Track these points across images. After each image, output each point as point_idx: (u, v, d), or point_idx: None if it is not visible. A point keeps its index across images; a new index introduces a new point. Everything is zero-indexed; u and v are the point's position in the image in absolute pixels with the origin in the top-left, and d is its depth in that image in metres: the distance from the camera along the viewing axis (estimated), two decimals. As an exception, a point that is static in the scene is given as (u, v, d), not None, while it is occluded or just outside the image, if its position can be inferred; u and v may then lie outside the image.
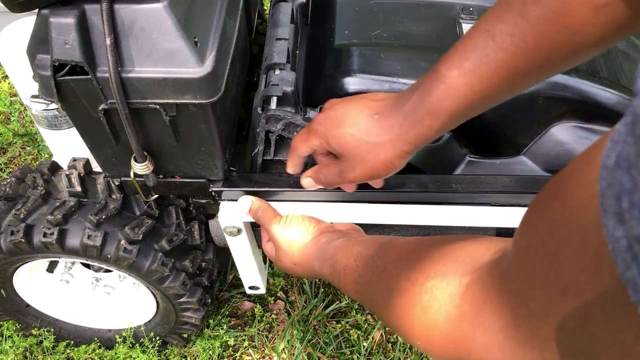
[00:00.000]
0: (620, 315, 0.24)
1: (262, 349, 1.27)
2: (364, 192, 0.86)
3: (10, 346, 1.23)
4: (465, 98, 0.55)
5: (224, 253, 1.13)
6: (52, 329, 1.23)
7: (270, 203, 0.87)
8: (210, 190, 0.87)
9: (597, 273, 0.25)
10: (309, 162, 0.82)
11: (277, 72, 0.83)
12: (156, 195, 0.94)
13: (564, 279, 0.28)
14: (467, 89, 0.54)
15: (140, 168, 0.79)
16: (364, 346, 1.24)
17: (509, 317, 0.35)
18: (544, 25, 0.48)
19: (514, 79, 0.53)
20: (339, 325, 1.28)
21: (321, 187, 0.74)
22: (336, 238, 0.70)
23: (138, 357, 1.20)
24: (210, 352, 1.23)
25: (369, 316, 1.29)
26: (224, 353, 1.25)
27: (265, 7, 1.68)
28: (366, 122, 0.62)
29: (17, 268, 1.07)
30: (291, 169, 0.76)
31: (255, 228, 0.99)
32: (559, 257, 0.28)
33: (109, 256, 0.94)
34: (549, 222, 0.31)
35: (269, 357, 1.26)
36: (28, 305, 1.19)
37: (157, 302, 1.12)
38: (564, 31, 0.48)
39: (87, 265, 1.21)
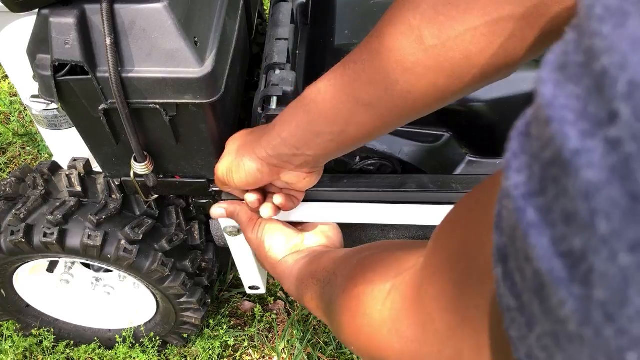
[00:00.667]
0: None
1: (262, 349, 1.27)
2: (364, 192, 0.86)
3: (10, 346, 1.23)
4: (311, 114, 0.59)
5: (224, 253, 1.13)
6: (52, 329, 1.23)
7: (271, 203, 0.87)
8: (211, 190, 0.87)
9: (490, 316, 0.26)
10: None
11: (277, 72, 0.83)
12: (156, 195, 0.94)
13: (463, 311, 0.29)
14: (313, 106, 0.59)
15: (140, 168, 0.79)
16: (364, 346, 1.24)
17: (419, 329, 0.35)
18: (379, 58, 0.53)
19: (355, 108, 0.56)
20: (339, 325, 1.28)
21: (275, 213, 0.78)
22: (302, 257, 0.72)
23: (138, 357, 1.20)
24: (210, 352, 1.23)
25: (369, 316, 1.29)
26: (224, 353, 1.25)
27: (265, 7, 1.68)
28: (238, 142, 0.72)
29: (17, 268, 1.07)
30: (253, 205, 0.79)
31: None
32: (462, 287, 0.29)
33: (109, 256, 0.94)
34: (456, 248, 0.31)
35: (269, 357, 1.26)
36: (28, 305, 1.19)
37: (157, 302, 1.12)
38: (397, 67, 0.52)
39: (87, 265, 1.21)
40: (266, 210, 0.75)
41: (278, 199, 0.74)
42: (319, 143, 0.60)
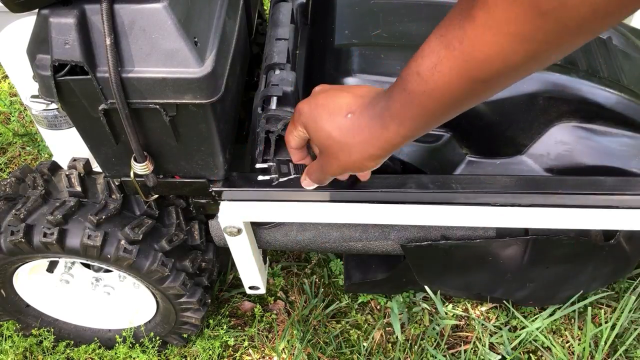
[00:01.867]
0: None
1: (262, 349, 1.27)
2: (364, 192, 0.86)
3: (10, 346, 1.23)
4: (425, 106, 0.54)
5: (224, 253, 1.13)
6: (52, 329, 1.23)
7: (271, 203, 0.87)
8: (210, 190, 0.87)
9: None
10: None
11: (277, 72, 0.83)
12: (156, 195, 0.94)
13: None
14: (424, 97, 0.53)
15: (140, 168, 0.79)
16: (364, 346, 1.24)
17: None
18: (489, 33, 0.46)
19: (472, 87, 0.51)
20: (339, 325, 1.28)
21: (319, 185, 0.74)
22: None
23: (138, 357, 1.20)
24: (210, 352, 1.23)
25: (369, 316, 1.29)
26: (224, 353, 1.25)
27: (265, 7, 1.68)
28: (340, 121, 0.62)
29: (17, 268, 1.07)
30: (298, 162, 0.76)
31: (255, 228, 0.99)
32: None
33: (109, 256, 0.94)
34: None
35: (269, 357, 1.26)
36: (28, 305, 1.19)
37: (157, 302, 1.12)
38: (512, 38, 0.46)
39: (87, 265, 1.21)
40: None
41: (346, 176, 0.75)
42: (437, 124, 0.57)
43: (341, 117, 0.62)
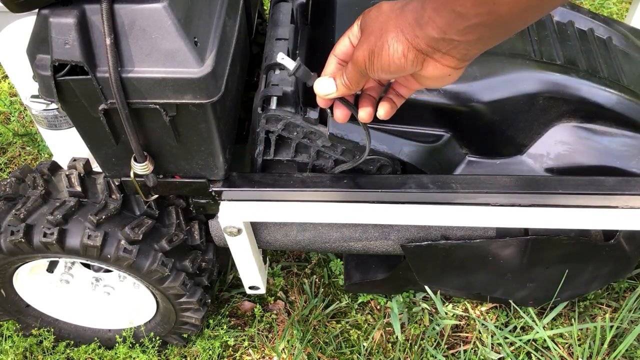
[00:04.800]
0: None
1: (262, 349, 1.27)
2: (364, 192, 0.86)
3: (10, 346, 1.22)
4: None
5: (224, 253, 1.13)
6: (52, 329, 1.23)
7: (271, 203, 0.87)
8: (210, 190, 0.87)
9: None
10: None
11: (277, 72, 0.83)
12: (156, 195, 0.94)
13: None
14: None
15: (140, 168, 0.79)
16: (364, 346, 1.24)
17: None
18: None
19: None
20: (339, 325, 1.28)
21: (349, 91, 0.66)
22: None
23: (138, 357, 1.20)
24: (210, 352, 1.23)
25: (369, 316, 1.29)
26: (224, 353, 1.25)
27: (265, 7, 1.68)
28: (396, 5, 0.57)
29: (17, 268, 1.07)
30: (324, 75, 0.68)
31: (254, 228, 0.99)
32: None
33: (109, 256, 0.94)
34: None
35: (269, 357, 1.26)
36: (28, 305, 1.19)
37: (157, 302, 1.12)
38: None
39: (87, 265, 1.21)
40: (365, 113, 0.66)
41: (384, 108, 0.65)
42: (467, 27, 0.51)
43: (398, 3, 0.57)
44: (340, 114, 0.69)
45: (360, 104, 0.67)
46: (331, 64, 0.67)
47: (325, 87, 0.66)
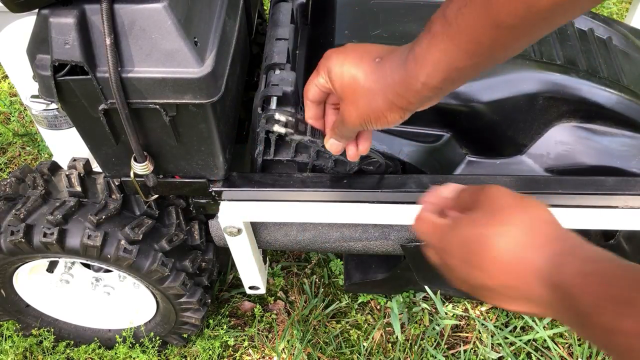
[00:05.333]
0: None
1: (262, 349, 1.27)
2: (364, 192, 0.86)
3: (10, 346, 1.22)
4: (446, 51, 0.51)
5: (224, 253, 1.13)
6: (52, 329, 1.23)
7: (271, 203, 0.87)
8: (210, 190, 0.87)
9: None
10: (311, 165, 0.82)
11: (277, 72, 0.83)
12: (156, 195, 0.94)
13: None
14: (447, 42, 0.51)
15: (140, 168, 0.79)
16: (364, 346, 1.24)
17: None
18: None
19: (496, 33, 0.48)
20: (339, 325, 1.28)
21: (341, 142, 0.71)
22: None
23: (138, 357, 1.20)
24: (210, 352, 1.23)
25: (369, 316, 1.29)
26: (224, 353, 1.25)
27: (265, 7, 1.68)
28: (366, 65, 0.59)
29: (17, 268, 1.07)
30: (309, 120, 0.73)
31: (254, 228, 0.99)
32: None
33: (109, 256, 0.94)
34: None
35: (269, 357, 1.26)
36: (28, 305, 1.19)
37: (157, 302, 1.12)
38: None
39: (87, 265, 1.21)
40: (352, 152, 0.71)
41: (365, 145, 0.71)
42: (461, 77, 0.54)
43: (369, 61, 0.59)
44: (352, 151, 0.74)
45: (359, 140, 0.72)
46: (311, 108, 0.71)
47: (335, 147, 0.72)
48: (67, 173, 0.94)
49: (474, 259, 0.49)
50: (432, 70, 0.53)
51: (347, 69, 0.60)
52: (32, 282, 1.15)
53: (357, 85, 0.60)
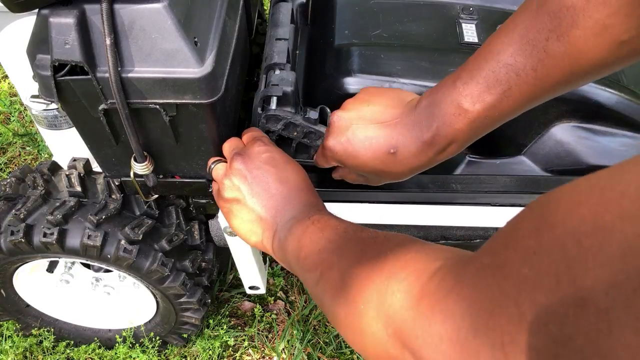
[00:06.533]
0: None
1: (262, 349, 1.27)
2: (364, 192, 0.86)
3: (10, 346, 1.22)
4: (487, 127, 0.58)
5: (224, 253, 1.13)
6: (52, 329, 1.23)
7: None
8: (210, 190, 0.87)
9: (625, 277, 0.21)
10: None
11: (277, 72, 0.83)
12: (156, 195, 0.94)
13: (586, 292, 0.23)
14: (488, 121, 0.57)
15: (140, 168, 0.79)
16: (364, 346, 1.24)
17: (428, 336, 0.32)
18: (568, 61, 0.50)
19: (531, 105, 0.56)
20: (339, 325, 1.28)
21: None
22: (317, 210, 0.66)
23: (138, 357, 1.20)
24: (210, 352, 1.23)
25: (369, 316, 1.29)
26: (224, 353, 1.25)
27: (265, 7, 1.68)
28: (382, 157, 0.64)
29: (17, 268, 1.07)
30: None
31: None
32: (582, 267, 0.24)
33: (109, 256, 0.94)
34: (576, 222, 0.25)
35: (269, 357, 1.26)
36: (28, 305, 1.19)
37: (157, 302, 1.12)
38: (587, 65, 0.49)
39: (87, 265, 1.21)
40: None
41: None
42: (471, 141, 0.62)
43: (384, 154, 0.64)
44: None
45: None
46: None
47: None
48: (67, 173, 0.94)
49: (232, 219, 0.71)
50: (464, 144, 0.61)
51: (364, 162, 0.66)
52: (32, 282, 1.15)
53: (380, 171, 0.66)
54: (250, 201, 0.67)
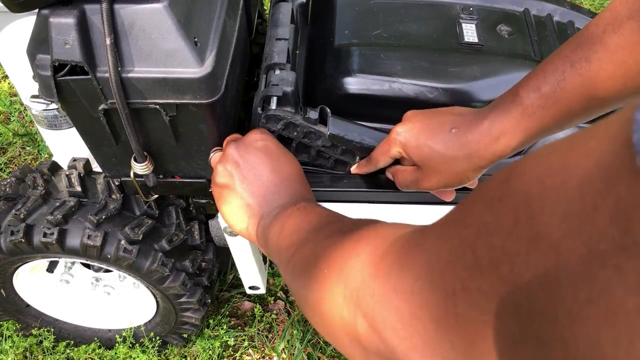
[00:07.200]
0: (614, 260, 0.19)
1: (262, 349, 1.27)
2: (364, 192, 0.86)
3: (10, 346, 1.22)
4: (541, 120, 0.57)
5: (224, 253, 1.13)
6: (52, 329, 1.23)
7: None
8: (210, 190, 0.87)
9: (591, 217, 0.21)
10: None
11: (277, 72, 0.83)
12: (156, 195, 0.94)
13: (541, 227, 0.23)
14: (543, 112, 0.57)
15: (140, 168, 0.79)
16: (364, 346, 1.24)
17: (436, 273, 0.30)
18: (621, 53, 0.50)
19: (590, 104, 0.55)
20: (339, 325, 1.28)
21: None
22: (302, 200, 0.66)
23: (138, 357, 1.20)
24: (210, 352, 1.23)
25: (369, 316, 1.29)
26: (224, 353, 1.25)
27: (265, 7, 1.68)
28: (444, 136, 0.64)
29: (17, 268, 1.07)
30: (362, 172, 0.80)
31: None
32: (541, 204, 0.23)
33: (109, 256, 0.94)
34: (544, 169, 0.25)
35: (269, 357, 1.26)
36: (28, 305, 1.19)
37: (157, 302, 1.12)
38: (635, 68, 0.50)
39: (87, 265, 1.21)
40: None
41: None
42: (541, 137, 0.61)
43: (445, 132, 0.64)
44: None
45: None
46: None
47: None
48: (67, 173, 0.94)
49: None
50: (523, 137, 0.59)
51: (424, 141, 0.66)
52: (32, 282, 1.15)
53: (438, 155, 0.65)
54: (239, 187, 0.67)
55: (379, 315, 0.34)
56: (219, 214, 0.88)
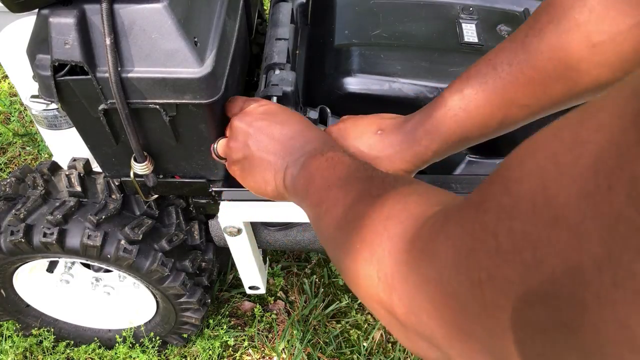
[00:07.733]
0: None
1: (262, 349, 1.27)
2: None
3: (10, 346, 1.22)
4: (462, 123, 0.58)
5: (224, 253, 1.13)
6: (52, 329, 1.23)
7: (271, 203, 0.87)
8: (210, 190, 0.87)
9: (607, 197, 0.20)
10: None
11: (277, 72, 0.83)
12: (156, 195, 0.94)
13: (558, 209, 0.23)
14: (464, 114, 0.57)
15: (140, 168, 0.79)
16: (364, 346, 1.24)
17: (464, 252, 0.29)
18: (540, 57, 0.51)
19: (510, 110, 0.55)
20: (339, 325, 1.28)
21: None
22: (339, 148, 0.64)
23: (138, 357, 1.20)
24: (210, 352, 1.23)
25: (369, 316, 1.29)
26: (224, 353, 1.25)
27: (265, 7, 1.68)
28: (369, 137, 0.66)
29: (17, 268, 1.07)
30: None
31: (255, 227, 0.99)
32: (557, 184, 0.23)
33: (109, 256, 0.94)
34: (557, 145, 0.25)
35: (269, 357, 1.26)
36: (28, 305, 1.19)
37: (157, 302, 1.12)
38: (559, 65, 0.50)
39: (87, 265, 1.21)
40: None
41: None
42: (466, 145, 0.62)
43: (371, 134, 0.66)
44: None
45: None
46: None
47: None
48: (67, 173, 0.94)
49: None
50: (444, 141, 0.60)
51: (351, 142, 0.67)
52: (32, 282, 1.15)
53: (362, 156, 0.66)
54: (257, 152, 0.65)
55: (414, 300, 0.34)
56: (218, 214, 0.88)
